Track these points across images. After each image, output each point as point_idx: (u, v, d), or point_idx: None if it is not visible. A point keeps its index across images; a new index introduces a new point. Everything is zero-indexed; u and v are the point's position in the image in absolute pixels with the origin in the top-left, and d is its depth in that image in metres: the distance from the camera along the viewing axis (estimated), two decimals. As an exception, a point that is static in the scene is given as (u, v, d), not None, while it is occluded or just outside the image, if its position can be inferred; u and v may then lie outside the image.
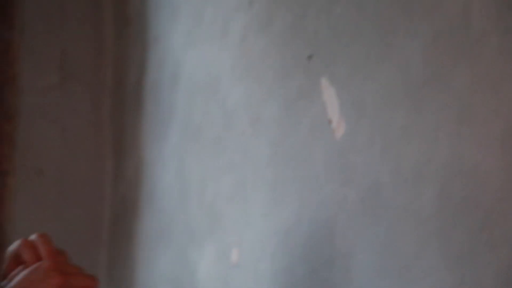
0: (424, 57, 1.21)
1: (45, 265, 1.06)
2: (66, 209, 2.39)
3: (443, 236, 1.14)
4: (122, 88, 2.38)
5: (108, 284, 2.32)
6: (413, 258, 1.20)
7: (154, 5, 2.22)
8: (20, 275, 1.08)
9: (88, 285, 1.09)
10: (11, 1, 2.42)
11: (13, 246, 1.13)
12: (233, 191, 1.72)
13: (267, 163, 1.59)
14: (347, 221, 1.35)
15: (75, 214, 2.39)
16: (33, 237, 1.13)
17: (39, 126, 2.40)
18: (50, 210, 2.38)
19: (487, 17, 1.08)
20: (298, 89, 1.53)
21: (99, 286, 1.12)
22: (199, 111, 1.92)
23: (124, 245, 2.28)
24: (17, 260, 1.11)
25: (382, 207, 1.27)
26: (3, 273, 1.13)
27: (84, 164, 2.41)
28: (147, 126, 2.20)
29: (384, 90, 1.29)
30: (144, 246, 2.14)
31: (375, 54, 1.32)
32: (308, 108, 1.48)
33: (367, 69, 1.34)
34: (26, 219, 2.34)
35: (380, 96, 1.29)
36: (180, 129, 2.02)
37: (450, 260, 1.12)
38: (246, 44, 1.75)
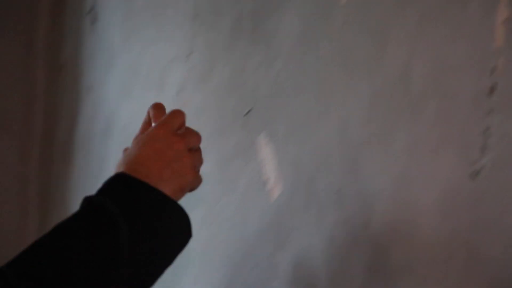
0: (363, 117, 1.17)
1: (179, 144, 1.07)
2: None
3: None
4: (52, 139, 2.29)
5: None
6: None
7: (89, 53, 2.17)
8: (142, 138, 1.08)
9: (198, 140, 1.10)
10: None
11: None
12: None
13: (200, 224, 1.52)
14: (279, 286, 1.29)
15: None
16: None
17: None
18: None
19: (426, 80, 1.06)
20: (234, 146, 1.48)
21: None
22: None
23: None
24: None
25: (314, 274, 1.22)
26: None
27: (7, 221, 2.30)
28: (76, 180, 2.13)
29: (322, 150, 1.24)
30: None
31: (314, 112, 1.28)
32: (244, 167, 1.44)
33: (306, 127, 1.30)
34: None
35: (318, 156, 1.25)
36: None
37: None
38: (183, 97, 1.70)
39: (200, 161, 1.11)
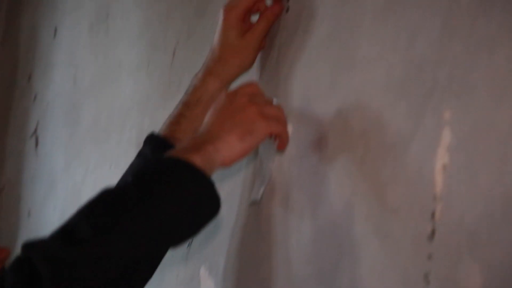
0: (306, 256, 1.16)
1: (241, 99, 1.14)
2: None
3: None
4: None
5: None
6: None
7: (30, 177, 2.14)
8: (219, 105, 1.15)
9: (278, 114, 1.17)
10: None
11: None
12: None
13: None
14: None
15: None
16: None
17: None
18: None
19: (368, 221, 1.05)
20: (176, 278, 1.46)
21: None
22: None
23: None
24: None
25: None
26: None
27: None
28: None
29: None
30: None
31: (255, 250, 1.27)
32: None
33: (251, 265, 1.28)
34: None
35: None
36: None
37: None
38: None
39: (270, 108, 1.15)
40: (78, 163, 1.93)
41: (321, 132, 1.17)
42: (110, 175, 1.78)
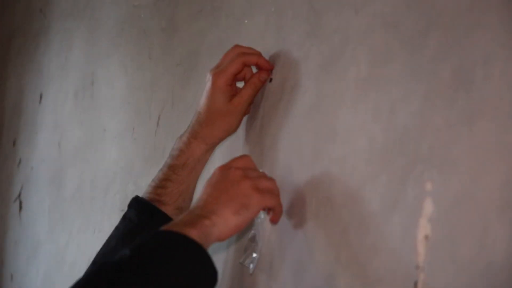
0: None
1: (235, 172, 1.15)
2: None
3: None
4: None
5: None
6: None
7: (13, 241, 2.13)
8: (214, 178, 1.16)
9: (272, 187, 1.17)
10: None
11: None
12: None
13: None
14: None
15: None
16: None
17: None
18: None
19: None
20: None
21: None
22: None
23: None
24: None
25: None
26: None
27: None
28: None
29: None
30: None
31: None
32: None
33: None
34: None
35: None
36: None
37: None
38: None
39: (264, 182, 1.16)
40: (62, 227, 1.92)
41: (304, 201, 1.18)
42: (94, 239, 1.78)
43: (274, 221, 1.19)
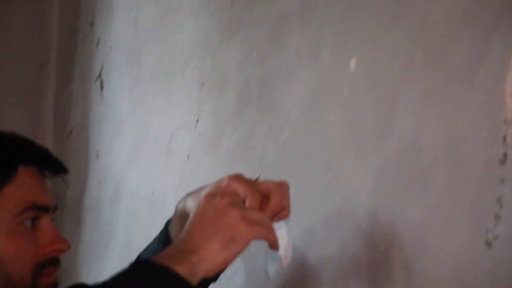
0: (372, 185, 1.17)
1: (221, 201, 1.07)
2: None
3: None
4: (61, 206, 2.29)
5: None
6: None
7: (97, 120, 2.18)
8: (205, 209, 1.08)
9: (261, 218, 1.08)
10: None
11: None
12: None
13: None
14: None
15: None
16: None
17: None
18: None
19: (436, 149, 1.05)
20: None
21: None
22: (141, 232, 1.85)
23: None
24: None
25: None
26: None
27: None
28: (85, 246, 2.12)
29: (332, 220, 1.24)
30: None
31: (322, 181, 1.28)
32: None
33: (315, 196, 1.29)
34: None
35: (328, 227, 1.24)
36: (121, 249, 1.94)
37: None
38: (191, 164, 1.70)
39: (252, 212, 1.07)
40: (143, 104, 1.95)
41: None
42: (174, 115, 1.80)
43: (273, 248, 1.11)
